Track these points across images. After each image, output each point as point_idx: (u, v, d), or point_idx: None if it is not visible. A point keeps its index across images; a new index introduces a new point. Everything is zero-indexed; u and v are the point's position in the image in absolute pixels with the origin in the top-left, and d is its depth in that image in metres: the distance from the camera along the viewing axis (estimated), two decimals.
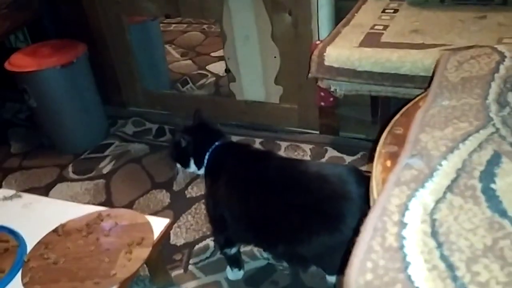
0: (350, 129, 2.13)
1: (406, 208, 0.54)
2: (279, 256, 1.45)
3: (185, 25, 3.64)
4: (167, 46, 3.24)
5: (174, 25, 3.69)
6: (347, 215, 1.12)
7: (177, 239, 1.70)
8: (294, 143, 2.16)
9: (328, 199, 1.16)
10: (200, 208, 1.82)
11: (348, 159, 2.01)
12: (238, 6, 2.02)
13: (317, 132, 2.19)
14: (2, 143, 2.43)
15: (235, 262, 1.50)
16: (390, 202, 0.54)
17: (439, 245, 0.49)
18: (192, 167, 1.41)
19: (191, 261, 1.61)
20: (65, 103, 2.18)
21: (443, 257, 0.47)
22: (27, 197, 1.59)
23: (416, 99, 0.85)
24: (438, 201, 0.54)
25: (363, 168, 1.93)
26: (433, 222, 0.52)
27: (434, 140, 0.64)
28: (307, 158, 2.05)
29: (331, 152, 2.07)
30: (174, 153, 1.43)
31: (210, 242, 1.67)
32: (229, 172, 1.35)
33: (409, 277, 0.46)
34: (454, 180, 0.57)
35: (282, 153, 2.11)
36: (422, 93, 0.88)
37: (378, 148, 0.72)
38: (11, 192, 1.61)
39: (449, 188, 0.56)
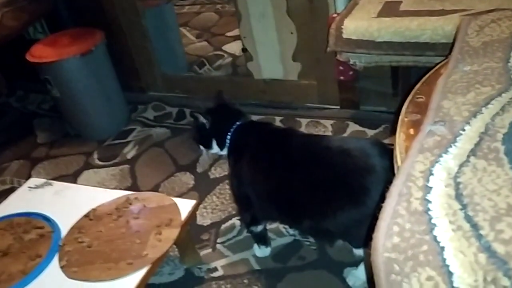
0: (371, 102, 2.11)
1: (430, 173, 0.54)
2: (305, 232, 1.47)
3: (199, 6, 3.62)
4: (182, 28, 3.24)
5: (187, 7, 3.68)
6: (371, 188, 1.12)
7: (203, 220, 1.73)
8: (314, 119, 2.16)
9: (352, 173, 1.16)
10: (224, 189, 1.85)
11: (370, 132, 2.00)
12: None
13: (338, 107, 2.18)
14: (29, 134, 2.50)
15: (262, 239, 1.52)
16: (414, 168, 0.55)
17: (464, 207, 0.49)
18: (215, 148, 1.43)
19: (218, 240, 1.64)
20: (87, 91, 2.22)
21: (468, 218, 0.48)
22: (58, 184, 1.64)
23: (437, 66, 0.85)
24: (461, 165, 0.55)
25: (386, 141, 1.92)
26: (457, 185, 0.52)
27: (456, 106, 0.64)
28: (329, 133, 2.05)
29: (353, 127, 2.06)
30: (197, 135, 1.44)
31: (236, 221, 1.70)
32: (252, 150, 1.35)
33: (434, 238, 0.47)
34: (477, 144, 0.57)
35: (303, 129, 2.11)
36: (443, 60, 0.87)
37: (400, 117, 0.72)
38: (42, 180, 1.66)
39: (473, 152, 0.56)
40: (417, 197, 0.52)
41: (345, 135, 2.02)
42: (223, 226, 1.69)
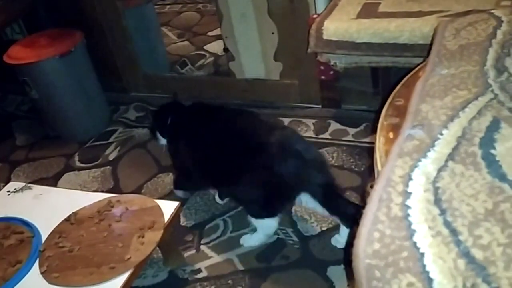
0: (352, 101, 2.13)
1: (410, 178, 0.55)
2: (227, 196, 1.73)
3: (180, 6, 3.60)
4: (163, 28, 3.21)
5: (168, 6, 3.65)
6: (277, 158, 1.34)
7: (187, 221, 1.73)
8: (296, 118, 2.17)
9: (263, 144, 1.38)
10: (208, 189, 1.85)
11: (352, 131, 2.02)
12: None
13: (319, 106, 2.19)
14: (7, 136, 2.45)
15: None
16: (394, 173, 0.56)
17: (442, 212, 0.50)
18: (161, 139, 1.71)
19: (202, 241, 1.63)
20: (67, 93, 2.19)
21: (447, 223, 0.49)
22: (37, 188, 1.62)
23: (416, 69, 0.86)
24: (440, 170, 0.56)
25: (367, 140, 1.94)
26: (436, 190, 0.53)
27: (434, 109, 0.65)
28: (311, 132, 2.06)
29: (334, 125, 2.08)
30: (149, 130, 1.80)
31: (220, 221, 1.70)
32: (184, 130, 1.62)
33: (414, 244, 0.48)
34: (455, 148, 0.58)
35: None
36: (422, 62, 0.88)
37: (380, 120, 0.73)
38: (21, 184, 1.64)
39: (451, 156, 0.57)
40: (397, 202, 0.52)
41: (326, 133, 2.04)
42: (207, 227, 1.69)
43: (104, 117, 2.39)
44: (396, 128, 0.70)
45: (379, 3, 1.45)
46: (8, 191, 1.62)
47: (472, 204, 0.51)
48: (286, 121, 2.16)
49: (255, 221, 1.49)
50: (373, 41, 1.35)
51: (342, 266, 1.45)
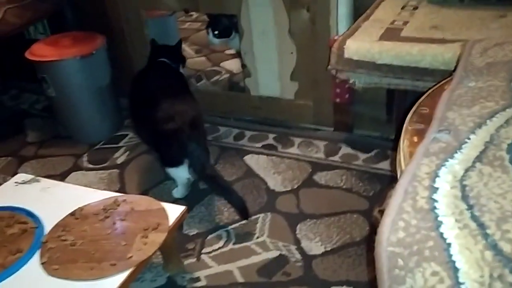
0: (365, 126, 2.14)
1: (436, 175, 0.55)
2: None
3: (200, 23, 3.66)
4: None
5: (189, 23, 3.72)
6: (165, 122, 1.70)
7: (190, 229, 1.71)
8: (307, 139, 2.17)
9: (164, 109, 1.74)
10: (213, 200, 1.84)
11: (362, 156, 2.02)
12: (257, 0, 2.04)
13: (331, 129, 2.20)
14: (19, 132, 2.46)
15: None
16: (420, 170, 0.56)
17: (470, 207, 0.50)
18: None
19: (203, 251, 1.62)
20: (83, 93, 2.21)
21: (474, 217, 0.48)
22: (45, 181, 1.61)
23: (441, 83, 0.87)
24: (467, 170, 0.55)
25: (377, 166, 1.94)
26: (463, 187, 0.53)
27: (461, 117, 0.65)
28: (321, 154, 2.06)
29: (345, 149, 2.07)
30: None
31: (223, 232, 1.68)
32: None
33: (441, 234, 0.47)
34: (482, 152, 0.58)
35: (295, 148, 2.12)
36: (447, 78, 0.89)
37: (404, 126, 0.73)
38: (30, 176, 1.63)
39: (478, 158, 0.57)
40: (423, 195, 0.52)
41: (337, 156, 2.03)
42: (210, 237, 1.67)
43: (116, 121, 2.41)
44: (420, 133, 0.70)
45: (402, 29, 1.47)
46: (16, 182, 1.61)
47: (500, 202, 0.50)
48: (296, 141, 2.17)
49: (167, 171, 1.80)
50: (394, 63, 1.36)
51: (344, 287, 1.43)
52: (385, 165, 1.94)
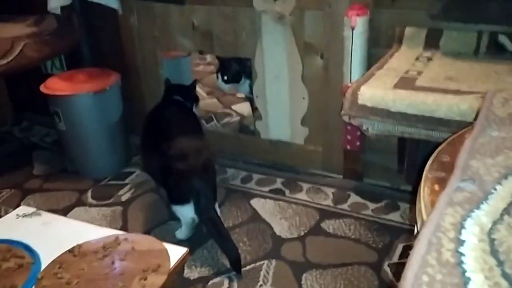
0: (375, 176, 2.10)
1: (462, 227, 0.51)
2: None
3: (213, 67, 3.73)
4: None
5: (202, 65, 3.79)
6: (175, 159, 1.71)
7: (191, 273, 1.65)
8: (316, 185, 2.13)
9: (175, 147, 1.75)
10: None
11: (372, 206, 1.97)
12: (271, 45, 2.06)
13: (341, 176, 2.16)
14: (26, 165, 2.46)
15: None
16: (444, 220, 0.52)
17: (500, 264, 0.46)
18: None
19: None
20: (93, 129, 2.22)
21: (505, 275, 0.44)
22: (47, 215, 1.58)
23: (461, 131, 0.84)
24: (495, 222, 0.52)
25: (387, 217, 1.89)
26: (491, 241, 0.49)
27: (486, 166, 0.62)
28: (329, 201, 2.01)
29: (354, 198, 2.03)
30: None
31: (224, 278, 1.62)
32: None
33: None
34: (510, 204, 0.55)
35: (303, 194, 2.08)
36: (467, 126, 0.86)
37: (424, 173, 0.70)
38: (31, 209, 1.60)
39: (506, 211, 0.53)
40: (449, 248, 0.48)
41: (345, 204, 1.99)
42: (211, 282, 1.61)
43: (124, 158, 2.39)
44: (441, 181, 0.66)
45: (416, 78, 1.46)
46: (17, 215, 1.58)
47: None
48: (305, 186, 2.13)
49: (173, 209, 1.78)
50: (408, 112, 1.34)
51: None
52: (395, 216, 1.89)
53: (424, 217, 0.61)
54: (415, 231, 0.59)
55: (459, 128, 1.24)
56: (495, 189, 0.58)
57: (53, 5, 2.19)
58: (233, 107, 3.01)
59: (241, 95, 2.99)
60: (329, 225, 1.87)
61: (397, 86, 1.41)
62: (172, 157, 1.72)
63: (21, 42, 2.23)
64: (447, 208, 0.55)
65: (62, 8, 2.23)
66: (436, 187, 0.66)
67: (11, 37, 2.23)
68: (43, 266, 1.32)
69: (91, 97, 2.15)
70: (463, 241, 0.49)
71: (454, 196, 0.57)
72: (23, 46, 2.23)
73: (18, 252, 1.38)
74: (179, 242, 1.78)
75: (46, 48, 2.32)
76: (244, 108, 2.91)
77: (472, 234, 0.50)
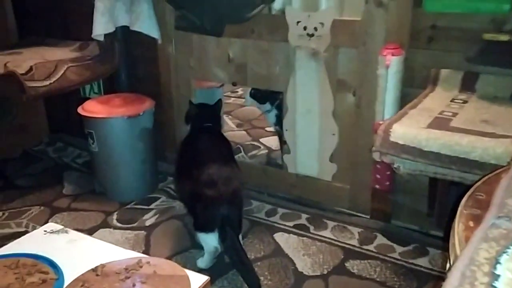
0: (403, 218, 2.04)
1: (497, 262, 0.49)
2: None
3: (243, 100, 3.79)
4: (224, 116, 3.35)
5: (233, 98, 3.85)
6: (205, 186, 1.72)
7: None
8: (342, 224, 2.09)
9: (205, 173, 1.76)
10: (238, 275, 1.75)
11: (399, 249, 1.91)
12: (304, 80, 2.08)
13: (368, 216, 2.12)
14: (56, 184, 2.52)
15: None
16: (479, 255, 0.50)
17: None
18: None
19: None
20: (124, 151, 2.27)
21: None
22: (73, 234, 1.60)
23: (498, 171, 0.82)
24: None
25: (415, 261, 1.82)
26: None
27: None
28: (355, 241, 1.97)
29: (381, 239, 1.98)
30: None
31: None
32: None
33: None
34: None
35: (328, 232, 2.04)
36: (504, 166, 0.84)
37: (459, 209, 0.68)
38: (59, 226, 1.63)
39: None
40: (483, 281, 0.46)
41: (371, 246, 1.93)
42: None
43: (151, 183, 2.42)
44: (476, 219, 0.64)
45: (451, 119, 1.44)
46: (45, 231, 1.61)
47: None
48: (330, 224, 2.09)
49: (197, 236, 1.78)
50: (442, 152, 1.31)
51: None
52: (423, 261, 1.82)
53: (458, 252, 0.58)
54: (447, 267, 0.56)
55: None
56: None
57: (97, 32, 2.29)
58: (261, 140, 3.03)
59: (270, 129, 3.01)
60: (353, 265, 1.82)
61: (431, 126, 1.39)
62: (202, 183, 1.72)
63: (64, 65, 2.34)
64: (482, 243, 0.53)
65: (106, 35, 2.33)
66: (471, 223, 0.64)
67: (56, 60, 2.34)
68: (66, 283, 1.32)
69: (124, 121, 2.21)
70: (498, 276, 0.47)
71: (490, 232, 0.55)
72: (66, 69, 2.34)
73: (43, 268, 1.39)
74: (200, 271, 1.76)
75: (87, 72, 2.43)
76: (272, 141, 2.93)
77: (507, 269, 0.48)
